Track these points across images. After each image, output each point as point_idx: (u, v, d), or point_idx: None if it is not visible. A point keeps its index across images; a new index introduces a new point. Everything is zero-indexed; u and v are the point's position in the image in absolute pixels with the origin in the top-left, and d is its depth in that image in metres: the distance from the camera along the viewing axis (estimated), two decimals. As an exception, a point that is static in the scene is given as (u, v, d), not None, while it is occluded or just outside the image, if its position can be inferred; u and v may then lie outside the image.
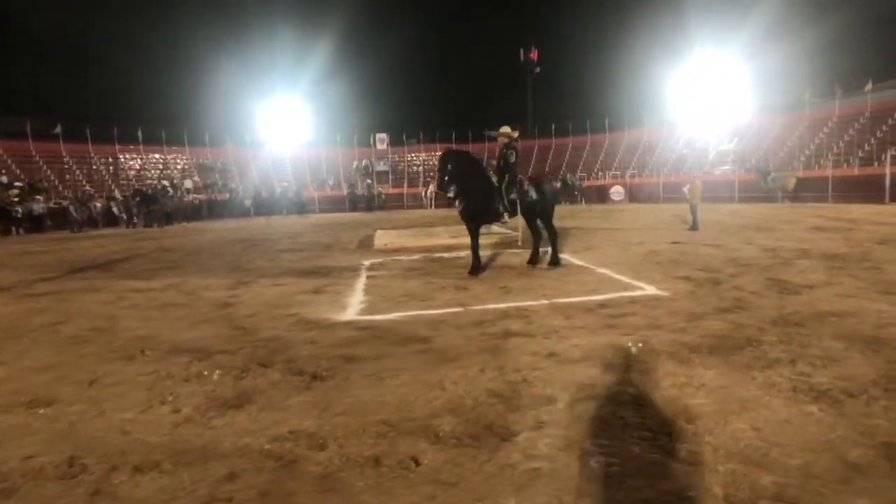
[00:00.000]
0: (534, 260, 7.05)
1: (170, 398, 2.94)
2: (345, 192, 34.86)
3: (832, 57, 28.40)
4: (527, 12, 55.96)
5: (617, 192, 31.44)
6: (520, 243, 8.52)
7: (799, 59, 28.92)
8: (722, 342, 3.56)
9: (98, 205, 25.19)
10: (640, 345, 3.51)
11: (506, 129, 6.47)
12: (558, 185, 30.65)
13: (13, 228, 21.53)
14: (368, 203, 33.23)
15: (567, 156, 39.25)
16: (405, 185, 37.72)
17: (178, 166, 35.74)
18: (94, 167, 32.07)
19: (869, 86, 25.51)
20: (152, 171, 34.36)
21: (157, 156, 35.35)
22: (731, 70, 31.51)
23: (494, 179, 6.38)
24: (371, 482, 2.03)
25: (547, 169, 37.89)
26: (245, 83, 39.05)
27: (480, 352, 3.53)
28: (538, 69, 46.66)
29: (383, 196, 34.77)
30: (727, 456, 2.09)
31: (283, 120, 38.54)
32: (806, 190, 22.32)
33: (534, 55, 46.46)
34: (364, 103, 41.75)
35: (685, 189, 12.72)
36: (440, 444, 2.29)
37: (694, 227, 11.54)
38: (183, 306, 5.55)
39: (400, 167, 41.00)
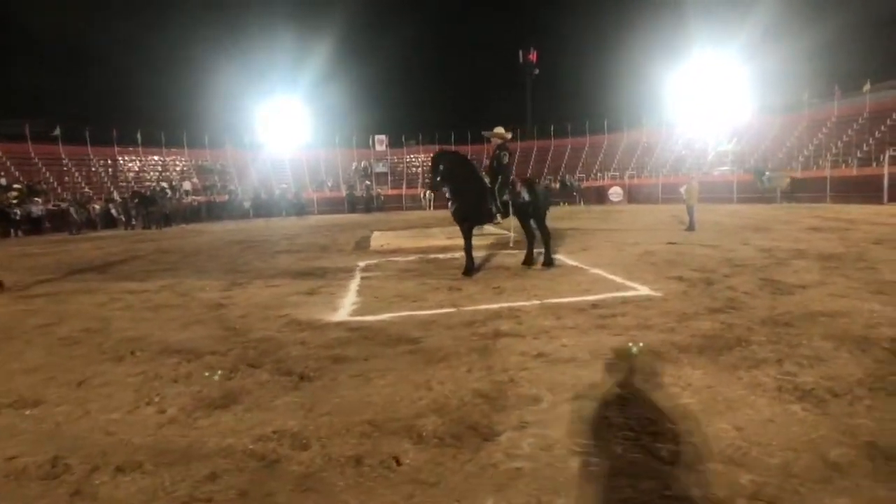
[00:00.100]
0: (528, 261, 7.05)
1: (156, 399, 2.94)
2: (343, 193, 34.89)
3: (831, 58, 28.46)
4: (526, 14, 56.09)
5: (615, 192, 31.45)
6: (511, 244, 8.53)
7: (798, 60, 28.99)
8: (711, 342, 3.56)
9: (97, 207, 25.21)
10: (640, 345, 3.51)
11: (499, 129, 6.47)
12: (557, 185, 30.77)
13: (12, 231, 21.55)
14: (367, 204, 33.26)
15: (566, 157, 39.30)
16: (404, 186, 37.74)
17: (178, 168, 35.80)
18: (93, 169, 32.12)
19: (867, 86, 25.56)
20: (151, 173, 34.42)
21: (156, 158, 35.42)
22: (730, 71, 31.58)
23: (487, 180, 6.38)
24: (352, 482, 2.03)
25: (545, 170, 37.92)
26: (244, 85, 39.19)
27: (469, 352, 3.53)
28: (537, 70, 46.79)
29: (382, 197, 34.80)
30: (708, 455, 2.09)
31: (283, 122, 38.65)
32: (804, 190, 22.33)
33: (533, 56, 46.58)
34: (363, 105, 41.91)
35: (682, 190, 12.72)
36: (423, 444, 2.29)
37: (691, 227, 11.54)
38: (176, 307, 5.56)
39: (399, 168, 41.06)
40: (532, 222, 6.90)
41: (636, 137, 36.80)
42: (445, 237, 10.50)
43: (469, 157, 6.92)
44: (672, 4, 36.87)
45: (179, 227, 24.15)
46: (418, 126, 41.90)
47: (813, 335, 3.59)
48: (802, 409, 2.47)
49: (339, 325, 4.50)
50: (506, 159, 6.31)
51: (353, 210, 32.91)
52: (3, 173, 26.76)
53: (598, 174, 35.59)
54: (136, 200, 24.60)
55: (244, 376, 3.28)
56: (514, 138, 40.22)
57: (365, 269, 7.73)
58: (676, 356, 3.29)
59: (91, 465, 2.22)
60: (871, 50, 28.71)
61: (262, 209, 31.18)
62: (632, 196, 30.63)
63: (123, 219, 24.77)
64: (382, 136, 41.76)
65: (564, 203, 30.37)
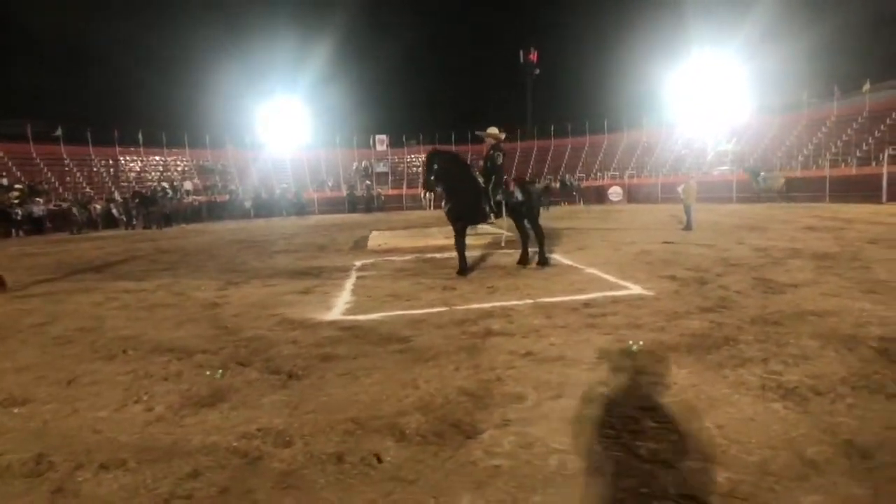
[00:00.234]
0: (523, 260, 7.06)
1: (145, 397, 2.96)
2: (344, 193, 34.93)
3: (830, 58, 28.40)
4: (526, 14, 56.06)
5: (615, 192, 31.44)
6: (503, 244, 8.54)
7: (797, 60, 28.95)
8: (700, 341, 3.56)
9: (97, 207, 25.27)
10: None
11: (493, 129, 6.48)
12: (557, 185, 30.76)
13: (13, 231, 21.62)
14: (367, 204, 33.28)
15: (566, 157, 39.29)
16: (404, 186, 37.76)
17: (179, 168, 35.88)
18: (95, 169, 32.21)
19: (867, 86, 25.51)
20: (152, 173, 34.50)
21: (157, 158, 35.50)
22: (730, 71, 31.55)
23: (481, 180, 6.39)
24: (332, 479, 2.04)
25: (545, 170, 37.93)
26: (245, 85, 39.31)
27: (458, 351, 3.55)
28: (538, 70, 46.75)
29: (382, 197, 34.82)
30: (687, 453, 2.10)
31: (283, 122, 38.71)
32: (803, 190, 22.30)
33: (533, 56, 46.55)
34: (364, 105, 41.97)
35: (680, 189, 12.72)
36: (405, 442, 2.30)
37: (688, 227, 11.54)
38: (171, 307, 5.58)
39: (399, 168, 41.08)
40: (526, 222, 6.90)
41: (636, 137, 36.78)
42: (443, 237, 10.51)
43: (463, 157, 6.93)
44: (672, 4, 36.85)
45: (180, 227, 24.20)
46: (419, 126, 42.00)
47: (801, 334, 3.59)
48: (784, 407, 2.48)
49: (331, 324, 4.52)
50: (500, 160, 6.32)
51: (353, 210, 32.93)
52: (4, 173, 26.84)
53: (598, 174, 35.58)
54: (137, 200, 24.67)
55: (233, 374, 3.30)
56: (513, 138, 40.40)
57: (361, 269, 7.75)
58: (664, 355, 3.30)
59: (75, 462, 2.24)
60: (870, 50, 28.67)
61: (263, 209, 31.23)
62: (631, 196, 30.62)
63: (124, 219, 24.84)
64: (383, 136, 41.80)
65: (564, 203, 30.36)
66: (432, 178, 6.13)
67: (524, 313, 4.54)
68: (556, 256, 7.99)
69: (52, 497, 1.99)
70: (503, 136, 6.54)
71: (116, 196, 27.91)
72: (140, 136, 34.27)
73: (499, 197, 6.32)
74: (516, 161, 40.27)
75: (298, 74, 39.61)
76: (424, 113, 49.61)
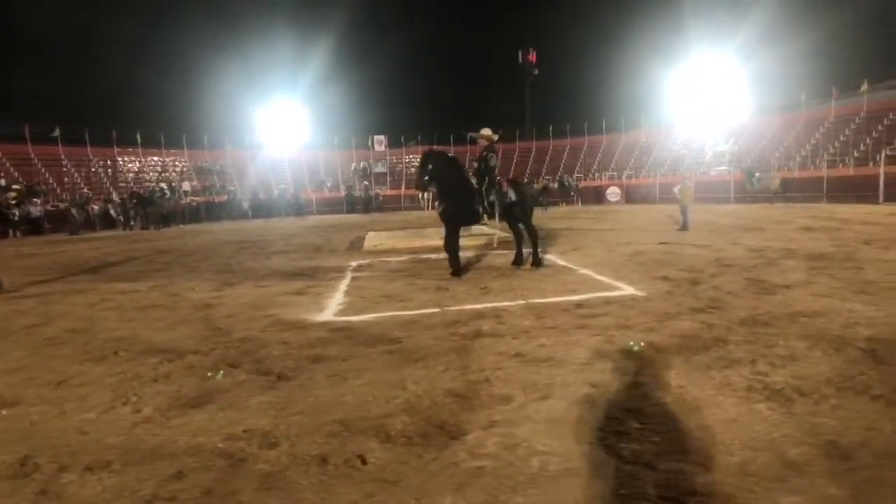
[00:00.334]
0: (518, 261, 7.08)
1: (133, 398, 2.97)
2: (342, 193, 34.93)
3: (829, 58, 28.43)
4: (525, 14, 56.10)
5: (613, 193, 31.48)
6: (495, 244, 8.55)
7: (795, 61, 28.98)
8: (689, 342, 3.57)
9: (95, 207, 25.26)
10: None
11: (486, 131, 6.50)
12: (556, 185, 30.79)
13: (10, 231, 21.61)
14: (366, 205, 33.29)
15: (564, 157, 39.32)
16: (403, 186, 37.75)
17: (177, 169, 35.86)
18: (93, 170, 32.18)
19: (865, 87, 25.54)
20: (151, 174, 34.47)
21: (155, 158, 35.48)
22: (729, 71, 31.57)
23: (474, 181, 6.40)
24: (315, 480, 2.05)
25: (544, 170, 37.96)
26: (243, 86, 39.27)
27: (447, 352, 3.55)
28: (536, 71, 46.73)
29: (381, 197, 34.83)
30: (669, 454, 2.11)
31: (282, 122, 38.67)
32: (801, 190, 22.33)
33: (532, 57, 46.50)
34: (362, 105, 41.93)
35: (676, 190, 12.74)
36: (389, 444, 2.31)
37: (684, 227, 11.56)
38: (164, 308, 5.58)
39: (398, 169, 41.07)
40: (519, 223, 6.91)
41: (634, 137, 36.82)
42: (439, 237, 10.50)
43: (457, 158, 6.94)
44: (670, 6, 36.89)
45: (178, 227, 24.21)
46: (417, 127, 41.96)
47: (790, 335, 3.60)
48: (768, 408, 2.49)
49: (322, 325, 4.52)
50: (493, 161, 6.34)
51: (351, 210, 32.95)
52: (2, 174, 26.82)
53: (596, 174, 35.61)
54: (135, 201, 24.66)
55: (223, 375, 3.30)
56: (509, 139, 40.42)
57: (356, 270, 7.75)
58: (653, 356, 3.31)
59: (60, 464, 2.24)
60: (868, 50, 28.72)
61: (261, 209, 31.24)
62: (629, 196, 30.65)
63: (122, 219, 24.83)
64: (381, 137, 41.79)
65: (562, 203, 30.38)
66: (426, 178, 6.15)
67: (515, 314, 4.55)
68: (551, 257, 8.00)
69: (36, 499, 2.00)
70: (496, 137, 6.56)
71: (114, 196, 27.91)
72: (138, 137, 34.24)
73: (492, 197, 6.33)
74: (515, 161, 40.30)
75: (297, 75, 39.61)
76: (423, 113, 49.68)
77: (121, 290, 6.89)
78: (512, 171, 38.62)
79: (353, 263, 8.41)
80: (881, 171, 19.88)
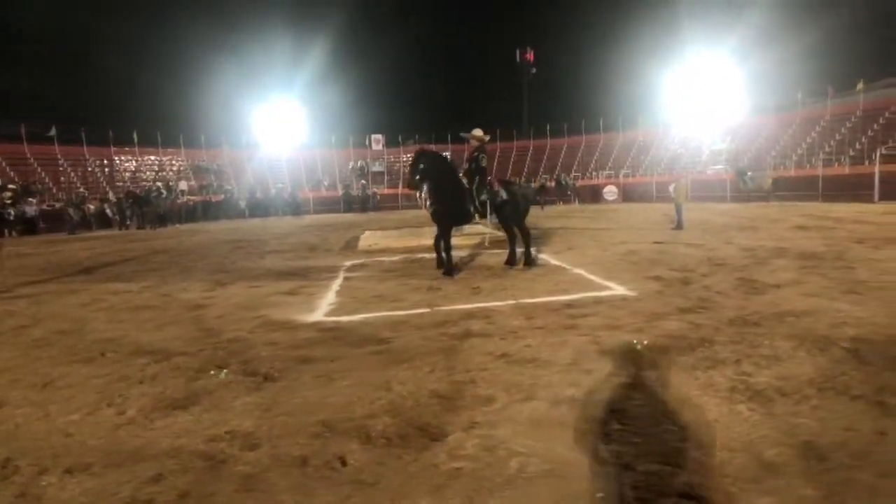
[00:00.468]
0: (511, 261, 7.08)
1: (118, 400, 2.96)
2: (340, 193, 34.90)
3: (824, 58, 28.48)
4: (523, 14, 56.06)
5: (610, 191, 31.51)
6: (487, 244, 8.55)
7: (791, 60, 29.03)
8: (676, 342, 3.58)
9: (91, 207, 25.19)
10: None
11: (478, 132, 6.51)
12: (553, 184, 30.79)
13: (5, 231, 21.53)
14: (363, 204, 33.26)
15: (562, 156, 39.32)
16: (400, 185, 37.71)
17: (174, 168, 35.78)
18: (89, 169, 32.10)
19: (860, 86, 25.60)
20: (147, 173, 34.40)
21: (152, 157, 35.39)
22: (725, 71, 31.60)
23: (465, 181, 6.42)
24: (294, 482, 2.05)
25: (541, 169, 37.98)
26: (241, 85, 39.23)
27: (434, 353, 3.56)
28: (534, 70, 46.73)
29: (378, 197, 34.80)
30: (648, 456, 2.11)
31: (279, 122, 38.61)
32: (797, 189, 22.38)
33: (530, 56, 46.52)
34: (360, 104, 41.94)
35: (671, 189, 12.76)
36: (370, 445, 2.31)
37: (678, 226, 11.57)
38: (155, 308, 5.58)
39: (395, 168, 41.02)
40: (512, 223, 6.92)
41: (631, 136, 36.83)
42: (434, 237, 10.52)
43: (447, 158, 6.95)
44: (667, 6, 36.90)
45: (174, 227, 24.17)
46: (415, 126, 42.04)
47: (776, 335, 3.61)
48: (749, 409, 2.50)
49: (312, 325, 4.52)
50: (484, 162, 6.36)
51: (349, 209, 32.91)
52: (-3, 174, 26.76)
53: (594, 173, 35.62)
54: (131, 201, 24.59)
55: (210, 377, 3.30)
56: (509, 138, 40.40)
57: (349, 269, 7.75)
58: (638, 356, 3.32)
59: (41, 466, 2.24)
60: (864, 50, 28.77)
61: (259, 209, 31.20)
62: (626, 195, 30.68)
63: (118, 219, 24.77)
64: (379, 136, 41.77)
65: (560, 202, 30.40)
66: (417, 177, 6.16)
67: (505, 314, 4.55)
68: (545, 256, 8.01)
69: (15, 501, 2.00)
70: (487, 137, 6.57)
71: (110, 196, 27.83)
72: (135, 136, 34.16)
73: (483, 197, 6.34)
74: (512, 160, 40.31)
75: (294, 74, 39.59)
76: (421, 112, 49.66)
77: (113, 290, 6.88)
78: (510, 170, 38.64)
79: (347, 263, 8.41)
80: (876, 169, 19.93)
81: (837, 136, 25.42)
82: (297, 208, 31.59)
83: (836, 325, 3.80)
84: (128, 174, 33.67)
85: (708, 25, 32.34)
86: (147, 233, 20.78)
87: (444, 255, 6.54)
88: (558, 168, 37.43)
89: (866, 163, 21.44)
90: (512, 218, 6.81)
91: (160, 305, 5.73)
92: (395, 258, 8.70)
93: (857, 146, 23.60)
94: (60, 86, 37.72)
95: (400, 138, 41.70)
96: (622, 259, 7.55)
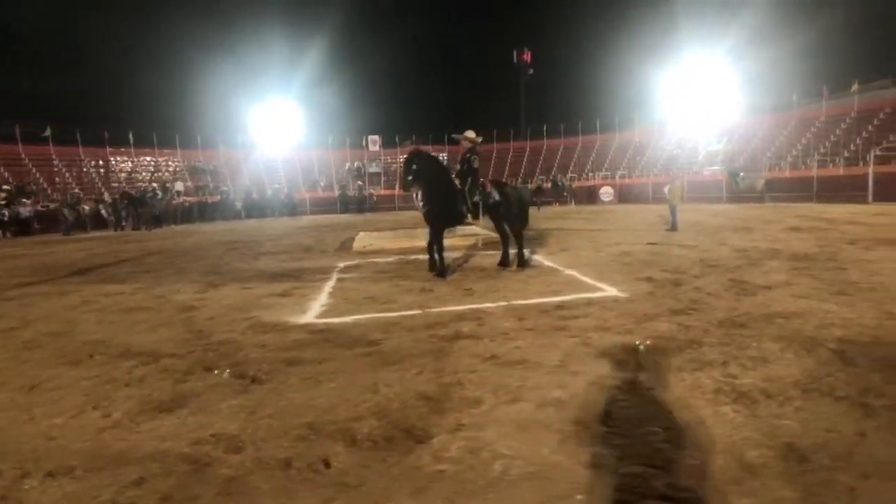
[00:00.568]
0: (504, 262, 7.09)
1: (104, 403, 2.95)
2: (336, 193, 34.87)
3: (819, 59, 28.61)
4: (520, 14, 56.15)
5: (606, 192, 31.57)
6: (479, 245, 8.56)
7: (787, 61, 29.14)
8: (665, 344, 3.59)
9: (86, 208, 25.09)
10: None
11: (470, 133, 6.52)
12: (549, 185, 30.84)
13: (0, 232, 21.45)
14: (360, 205, 33.23)
15: (558, 157, 39.40)
16: (397, 186, 37.69)
17: (170, 168, 35.70)
18: (85, 170, 32.00)
19: (855, 87, 25.73)
20: (143, 174, 34.31)
21: (148, 158, 35.30)
22: (721, 71, 31.70)
23: (457, 182, 6.42)
24: (277, 485, 2.05)
25: (538, 170, 38.03)
26: (237, 86, 39.10)
27: (424, 354, 3.56)
28: (531, 71, 46.78)
29: (374, 198, 34.78)
30: (630, 458, 2.12)
31: (276, 122, 38.55)
32: (791, 190, 22.47)
33: (527, 57, 46.56)
34: (356, 105, 41.84)
35: (665, 190, 12.79)
36: (355, 447, 2.31)
37: (673, 227, 11.60)
38: (147, 310, 5.56)
39: (392, 169, 40.98)
40: (505, 224, 6.93)
41: (628, 137, 36.92)
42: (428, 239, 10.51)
43: (439, 158, 6.96)
44: (664, 7, 37.02)
45: (169, 228, 24.11)
46: (412, 126, 41.94)
47: (764, 336, 3.63)
48: (733, 410, 2.51)
49: (303, 327, 4.52)
50: (476, 163, 6.37)
51: (345, 210, 32.88)
52: (-8, 174, 26.64)
53: (590, 174, 35.70)
54: (126, 201, 24.51)
55: (197, 379, 3.30)
56: (506, 139, 40.43)
57: (343, 271, 7.74)
58: (626, 358, 3.33)
59: (23, 470, 2.23)
60: (858, 51, 28.93)
61: (255, 209, 31.15)
62: (622, 196, 30.74)
63: (113, 219, 24.68)
64: (376, 137, 41.76)
65: (556, 203, 30.44)
66: (410, 178, 6.16)
67: (496, 316, 4.56)
68: (538, 258, 8.02)
69: (-6, 505, 1.99)
70: (479, 139, 6.58)
71: (106, 197, 27.73)
72: (131, 137, 34.06)
73: (476, 198, 6.35)
74: (509, 161, 40.36)
75: (291, 74, 39.51)
76: (418, 113, 49.59)
77: (105, 292, 6.85)
78: (507, 171, 38.69)
79: (341, 264, 8.40)
80: (870, 170, 20.03)
81: (832, 138, 25.54)
82: (293, 209, 31.56)
83: (824, 326, 3.82)
84: (123, 175, 33.56)
85: (704, 26, 32.46)
86: (142, 234, 20.71)
87: (436, 256, 6.54)
88: (555, 169, 37.51)
89: (860, 164, 21.54)
90: (505, 219, 6.81)
91: (152, 307, 5.71)
92: (390, 259, 8.70)
93: (852, 147, 23.72)
94: (55, 86, 37.55)
95: (397, 139, 41.71)
96: (615, 260, 7.56)
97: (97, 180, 31.78)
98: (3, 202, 22.52)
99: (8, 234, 21.58)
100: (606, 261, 7.55)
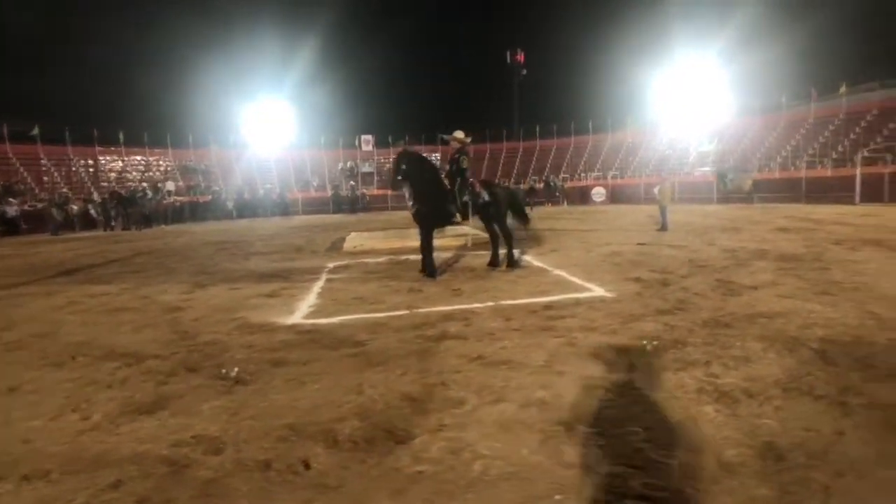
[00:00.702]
0: (494, 262, 7.10)
1: (84, 405, 2.92)
2: (329, 193, 34.76)
3: (808, 61, 28.94)
4: (513, 15, 56.28)
5: (598, 193, 31.72)
6: (469, 245, 8.56)
7: (776, 63, 29.44)
8: (650, 344, 3.61)
9: (75, 207, 24.83)
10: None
11: (459, 133, 6.53)
12: (541, 186, 30.94)
13: (-13, 232, 21.18)
14: (352, 205, 33.14)
15: (551, 157, 39.53)
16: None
17: (161, 168, 35.42)
18: (73, 169, 31.68)
19: (843, 89, 26.03)
20: (134, 173, 34.02)
21: (138, 158, 35.02)
22: (712, 73, 31.98)
23: (446, 183, 6.43)
24: (255, 486, 2.04)
25: (530, 170, 38.13)
26: (229, 85, 38.92)
27: (409, 355, 3.55)
28: (524, 71, 46.91)
29: (367, 197, 34.70)
30: (611, 458, 2.12)
31: (268, 122, 38.39)
32: (781, 191, 22.69)
33: (520, 57, 46.69)
34: (349, 105, 41.85)
35: (655, 190, 12.88)
36: (335, 448, 2.30)
37: (663, 228, 11.68)
38: (132, 311, 5.50)
39: (385, 168, 40.93)
40: (495, 224, 6.94)
41: (620, 138, 37.14)
42: (419, 238, 10.50)
43: (429, 159, 6.96)
44: (656, 9, 37.28)
45: (160, 228, 23.91)
46: (405, 126, 41.93)
47: (747, 336, 3.66)
48: (714, 410, 2.53)
49: (290, 328, 4.49)
50: (465, 163, 6.37)
51: (338, 210, 32.78)
52: (-22, 173, 26.29)
53: (582, 175, 35.86)
54: (115, 201, 24.28)
55: (180, 381, 3.27)
56: (499, 139, 40.51)
57: (332, 271, 7.71)
58: (610, 358, 3.34)
59: (-2, 473, 2.20)
60: (846, 53, 29.30)
61: (246, 209, 30.97)
62: (614, 196, 30.90)
63: (103, 219, 24.44)
64: (369, 137, 41.71)
65: (548, 203, 30.54)
66: (399, 178, 6.15)
67: (483, 316, 4.56)
68: (528, 258, 8.04)
69: (-33, 510, 1.96)
70: (469, 139, 6.59)
71: (95, 196, 27.46)
72: (121, 136, 33.78)
73: (465, 198, 6.36)
74: (502, 161, 40.42)
75: (283, 74, 39.40)
76: (411, 113, 49.64)
77: (91, 292, 6.78)
78: (499, 172, 38.74)
79: (331, 265, 8.37)
80: (857, 172, 20.27)
81: (821, 139, 25.83)
82: (285, 209, 31.42)
83: (806, 325, 3.85)
84: (113, 174, 33.28)
85: (695, 28, 32.73)
86: (132, 234, 20.53)
87: (425, 256, 6.54)
88: (547, 169, 37.63)
89: (848, 165, 21.79)
90: (495, 219, 6.82)
91: (138, 308, 5.66)
92: (380, 259, 8.68)
93: (840, 149, 24.00)
94: (44, 85, 37.16)
95: (390, 139, 41.65)
96: (605, 260, 7.59)
97: (86, 180, 31.47)
98: (-10, 202, 22.20)
99: (-5, 234, 21.29)
100: (596, 261, 7.58)
